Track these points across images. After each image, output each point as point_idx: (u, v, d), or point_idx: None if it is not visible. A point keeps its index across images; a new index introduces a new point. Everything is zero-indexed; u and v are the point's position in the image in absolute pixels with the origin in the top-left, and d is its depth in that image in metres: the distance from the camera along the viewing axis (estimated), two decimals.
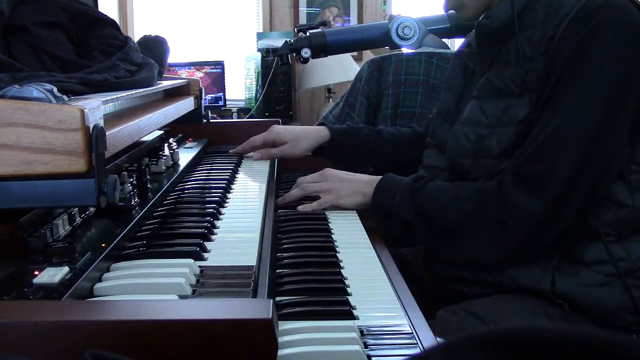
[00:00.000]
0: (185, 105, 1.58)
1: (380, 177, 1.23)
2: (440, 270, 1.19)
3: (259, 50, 3.75)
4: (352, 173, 1.29)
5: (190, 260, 0.84)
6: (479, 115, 1.15)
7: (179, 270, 0.80)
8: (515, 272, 1.09)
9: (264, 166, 1.52)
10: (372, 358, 0.69)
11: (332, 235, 1.13)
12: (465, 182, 1.16)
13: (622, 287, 1.04)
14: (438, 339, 0.76)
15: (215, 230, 1.01)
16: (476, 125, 1.15)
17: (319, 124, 1.58)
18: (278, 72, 3.63)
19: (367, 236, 1.15)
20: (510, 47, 1.13)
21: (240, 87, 3.99)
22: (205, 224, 1.01)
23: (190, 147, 1.64)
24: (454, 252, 1.14)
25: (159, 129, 1.45)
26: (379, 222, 1.20)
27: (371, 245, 1.10)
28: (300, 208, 1.26)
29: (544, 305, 1.07)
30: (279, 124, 1.66)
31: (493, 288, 1.12)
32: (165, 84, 1.49)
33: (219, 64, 3.90)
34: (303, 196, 1.29)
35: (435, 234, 1.14)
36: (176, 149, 1.45)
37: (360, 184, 1.25)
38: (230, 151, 1.62)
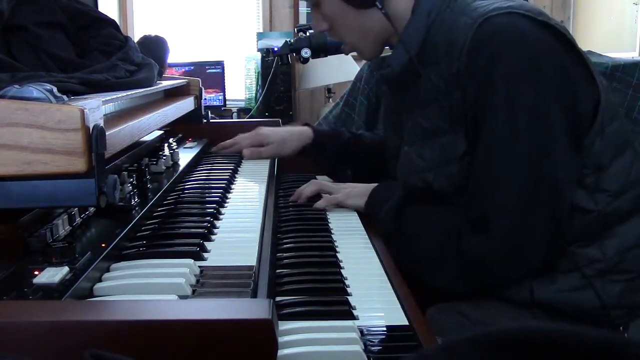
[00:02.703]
0: (185, 105, 1.58)
1: (379, 183, 1.27)
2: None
3: (259, 50, 3.75)
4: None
5: (190, 260, 0.84)
6: (417, 162, 1.13)
7: (179, 270, 0.80)
8: None
9: (264, 166, 1.53)
10: (372, 358, 0.69)
11: (332, 235, 1.13)
12: (447, 211, 1.12)
13: (601, 287, 1.04)
14: (438, 339, 0.76)
15: (215, 230, 1.01)
16: (419, 173, 1.13)
17: (304, 124, 1.60)
18: (278, 72, 3.63)
19: (367, 236, 1.15)
20: (424, 85, 1.10)
21: (240, 87, 3.99)
22: (205, 224, 1.01)
23: (190, 147, 1.64)
24: (421, 275, 1.11)
25: (159, 129, 1.45)
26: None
27: (371, 246, 1.10)
28: (315, 204, 1.30)
29: (535, 313, 1.07)
30: (279, 124, 1.69)
31: (474, 296, 1.12)
32: (165, 84, 1.49)
33: (219, 64, 3.90)
34: (317, 192, 1.36)
35: (408, 252, 1.13)
36: (176, 149, 1.45)
37: (370, 188, 1.29)
38: (213, 149, 1.65)
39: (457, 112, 1.05)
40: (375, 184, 1.30)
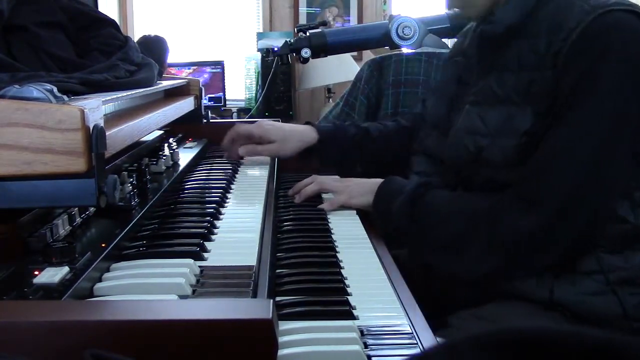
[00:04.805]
0: (185, 105, 1.58)
1: (385, 179, 1.25)
2: (437, 273, 1.19)
3: (259, 50, 3.75)
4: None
5: (190, 260, 0.84)
6: (477, 124, 1.13)
7: (179, 270, 0.80)
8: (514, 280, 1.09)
9: (264, 166, 1.52)
10: (372, 358, 0.69)
11: (332, 235, 1.13)
12: (466, 196, 1.15)
13: (621, 296, 1.04)
14: (438, 339, 0.76)
15: (215, 230, 1.01)
16: (474, 134, 1.13)
17: (306, 123, 1.54)
18: (278, 72, 3.63)
19: (367, 236, 1.15)
20: (511, 53, 1.11)
21: (240, 87, 3.99)
22: (205, 224, 1.01)
23: (190, 147, 1.64)
24: (441, 264, 1.13)
25: (159, 129, 1.45)
26: (377, 222, 1.21)
27: (371, 245, 1.10)
28: (320, 206, 1.28)
29: (554, 314, 1.07)
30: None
31: (491, 293, 1.11)
32: (165, 84, 1.49)
33: (219, 64, 3.90)
34: (318, 192, 1.33)
35: (426, 244, 1.14)
36: (176, 149, 1.45)
37: (373, 184, 1.26)
38: (221, 145, 1.56)
39: (536, 89, 1.05)
40: (378, 179, 1.27)
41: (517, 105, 1.08)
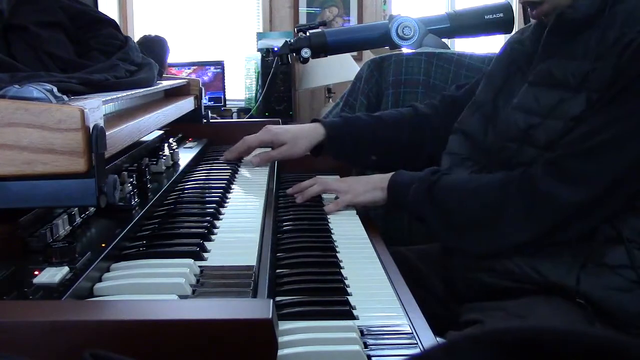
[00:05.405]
0: (185, 105, 1.58)
1: (393, 173, 1.26)
2: (461, 259, 1.19)
3: (259, 50, 3.75)
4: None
5: (190, 260, 0.84)
6: (531, 103, 1.15)
7: (179, 270, 0.80)
8: (541, 265, 1.09)
9: (264, 166, 1.52)
10: (372, 358, 0.69)
11: (332, 235, 1.13)
12: (485, 175, 1.17)
13: None
14: (438, 339, 0.76)
15: (215, 230, 1.01)
16: (527, 113, 1.15)
17: (313, 120, 1.53)
18: (278, 72, 3.63)
19: (367, 236, 1.15)
20: (579, 41, 1.12)
21: (240, 87, 3.99)
22: (205, 224, 1.01)
23: (190, 147, 1.64)
24: (471, 244, 1.14)
25: (159, 129, 1.45)
26: (394, 215, 1.22)
27: (371, 245, 1.10)
28: (326, 209, 1.29)
29: (574, 309, 1.07)
30: (279, 124, 1.64)
31: (518, 280, 1.11)
32: (165, 84, 1.49)
33: (219, 64, 3.90)
34: (321, 193, 1.35)
35: (451, 226, 1.15)
36: (176, 149, 1.45)
37: (377, 180, 1.28)
38: (224, 155, 1.54)
39: (594, 78, 1.07)
40: (380, 175, 1.29)
41: (572, 90, 1.10)
